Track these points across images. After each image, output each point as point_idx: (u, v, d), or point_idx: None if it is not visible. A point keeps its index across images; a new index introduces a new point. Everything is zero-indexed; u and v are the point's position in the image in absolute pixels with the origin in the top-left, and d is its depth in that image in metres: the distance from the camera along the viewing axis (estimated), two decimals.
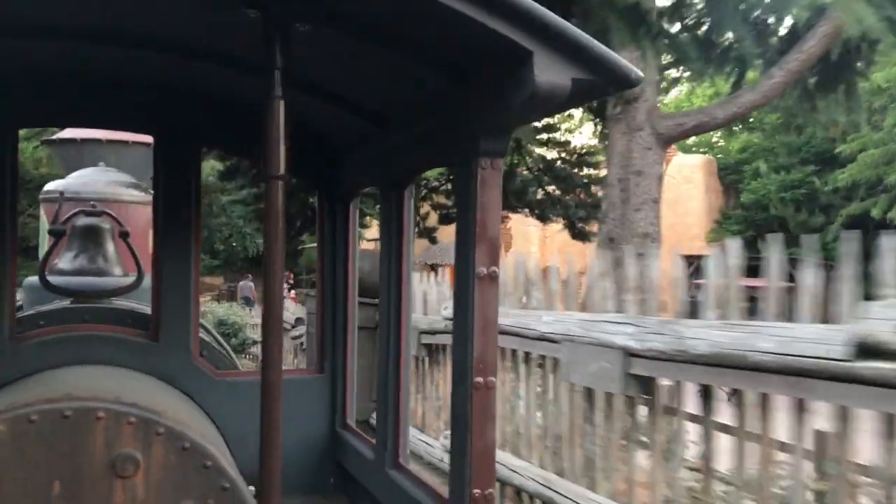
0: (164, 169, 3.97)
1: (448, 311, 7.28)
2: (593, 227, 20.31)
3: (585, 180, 22.21)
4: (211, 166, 21.16)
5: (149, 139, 9.26)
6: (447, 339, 7.65)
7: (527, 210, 22.25)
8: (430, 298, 9.66)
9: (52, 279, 4.55)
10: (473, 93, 2.53)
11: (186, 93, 3.89)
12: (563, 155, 22.72)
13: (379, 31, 2.63)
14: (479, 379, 2.49)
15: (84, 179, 6.15)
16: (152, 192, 6.96)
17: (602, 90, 2.30)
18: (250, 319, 21.77)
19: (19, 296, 4.99)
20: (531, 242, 35.62)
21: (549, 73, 2.15)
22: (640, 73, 2.27)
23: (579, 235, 21.77)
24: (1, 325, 3.70)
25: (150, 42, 3.26)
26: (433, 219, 24.29)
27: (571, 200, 21.94)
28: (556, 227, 23.74)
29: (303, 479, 4.03)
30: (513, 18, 2.13)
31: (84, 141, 8.39)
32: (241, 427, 3.80)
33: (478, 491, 2.50)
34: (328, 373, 4.22)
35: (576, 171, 22.42)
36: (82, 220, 4.72)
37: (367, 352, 4.85)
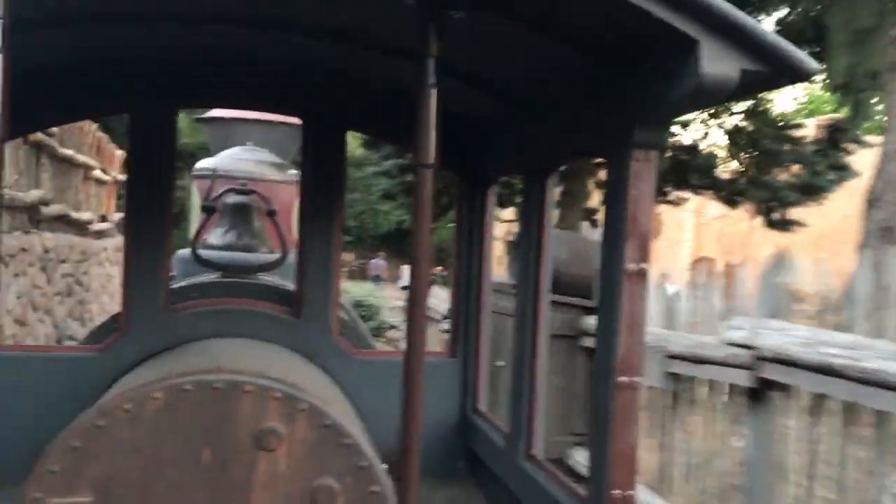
0: (311, 150, 4.08)
1: (736, 333, 5.38)
2: (790, 215, 16.34)
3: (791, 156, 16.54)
4: (352, 135, 20.98)
5: (294, 120, 9.59)
6: (721, 374, 5.55)
7: (711, 192, 17.39)
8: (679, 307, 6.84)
9: (202, 253, 4.76)
10: (631, 82, 2.44)
11: (336, 76, 3.97)
12: (758, 125, 16.89)
13: (534, 17, 2.57)
14: (624, 379, 2.42)
15: (234, 158, 6.41)
16: (297, 172, 7.25)
17: (773, 82, 2.16)
18: (388, 302, 21.16)
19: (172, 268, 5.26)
20: (683, 230, 30.84)
21: (717, 63, 2.03)
22: (816, 65, 2.12)
23: (780, 224, 16.71)
24: (157, 295, 3.91)
25: (303, 27, 3.33)
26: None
27: (773, 180, 16.53)
28: (714, 213, 20.78)
29: (433, 462, 4.07)
30: (678, 4, 2.03)
31: (233, 120, 8.73)
32: (376, 406, 3.87)
33: (618, 492, 2.44)
34: (460, 357, 4.24)
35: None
36: (232, 198, 4.92)
37: (565, 367, 4.62)
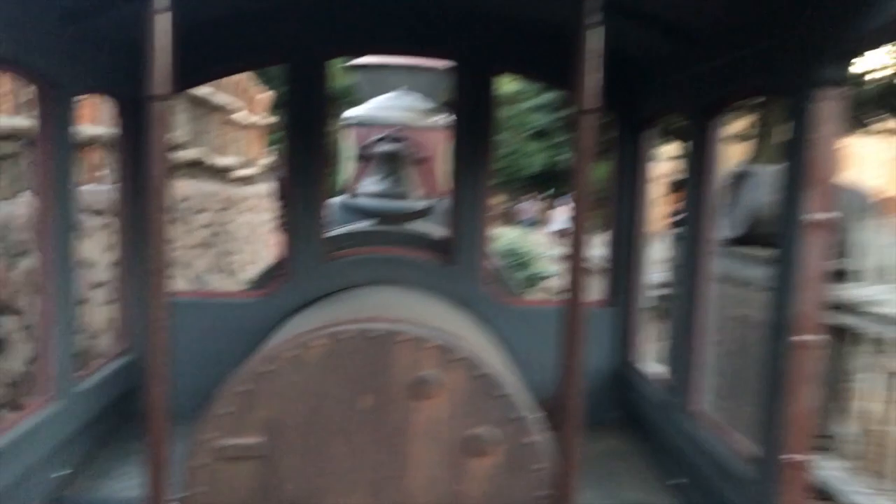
0: (463, 94, 4.01)
1: None
2: None
3: None
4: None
5: (441, 64, 9.54)
6: None
7: None
8: None
9: (358, 201, 4.84)
10: (816, 13, 2.21)
11: (488, 17, 3.86)
12: None
13: None
14: (801, 337, 2.24)
15: (386, 105, 6.44)
16: (447, 116, 7.21)
17: None
18: (541, 248, 19.10)
19: None
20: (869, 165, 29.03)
21: None
22: None
23: None
24: (315, 241, 4.00)
25: None
26: None
27: None
28: None
29: (588, 412, 4.00)
30: None
31: (382, 66, 8.78)
32: (528, 354, 3.83)
33: (793, 456, 2.29)
34: (618, 306, 4.12)
35: None
36: (385, 146, 4.95)
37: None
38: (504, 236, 17.67)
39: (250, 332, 3.85)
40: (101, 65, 3.48)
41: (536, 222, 32.89)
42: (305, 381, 2.80)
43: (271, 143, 16.47)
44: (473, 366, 2.81)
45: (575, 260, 2.35)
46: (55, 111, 3.00)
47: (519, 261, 15.66)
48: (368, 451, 2.80)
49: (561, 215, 31.87)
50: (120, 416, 3.85)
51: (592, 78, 2.20)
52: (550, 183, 39.79)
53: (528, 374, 3.61)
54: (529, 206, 34.20)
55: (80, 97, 3.44)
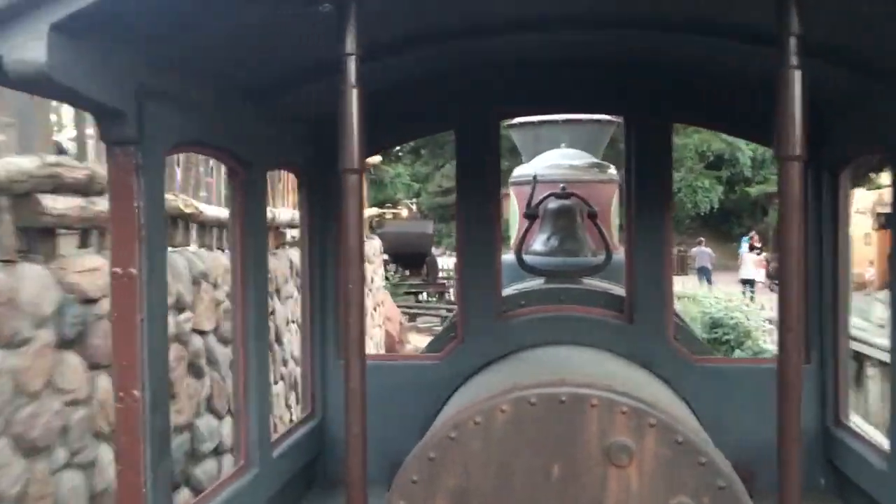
0: (635, 147, 3.92)
1: None
2: None
3: None
4: None
5: (600, 117, 9.45)
6: None
7: None
8: None
9: (526, 259, 4.79)
10: None
11: (658, 69, 3.77)
12: None
13: None
14: None
15: (550, 162, 6.43)
16: (613, 170, 7.11)
17: None
18: (755, 314, 14.66)
19: None
20: None
21: None
22: None
23: None
24: (489, 302, 3.97)
25: (627, 21, 3.18)
26: None
27: None
28: None
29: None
30: None
31: (540, 123, 8.80)
32: (718, 416, 3.61)
33: None
34: (815, 363, 3.81)
35: None
36: (553, 203, 4.91)
37: None
38: (695, 298, 14.08)
39: (427, 395, 3.84)
40: (285, 140, 3.64)
41: (712, 270, 28.15)
42: (492, 449, 2.74)
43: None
44: (670, 431, 2.66)
45: (786, 314, 2.18)
46: (247, 187, 3.14)
47: (727, 334, 11.97)
48: None
49: (751, 261, 28.42)
50: (307, 483, 3.92)
51: (794, 123, 2.06)
52: (729, 222, 36.10)
53: (716, 436, 3.40)
54: (706, 252, 28.82)
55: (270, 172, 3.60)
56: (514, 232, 6.43)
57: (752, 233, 31.35)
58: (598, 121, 9.31)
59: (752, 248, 29.60)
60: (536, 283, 4.81)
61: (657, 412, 2.70)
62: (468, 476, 2.73)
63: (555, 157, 6.58)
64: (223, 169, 6.31)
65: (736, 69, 3.27)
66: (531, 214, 4.80)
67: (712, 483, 2.63)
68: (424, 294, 26.17)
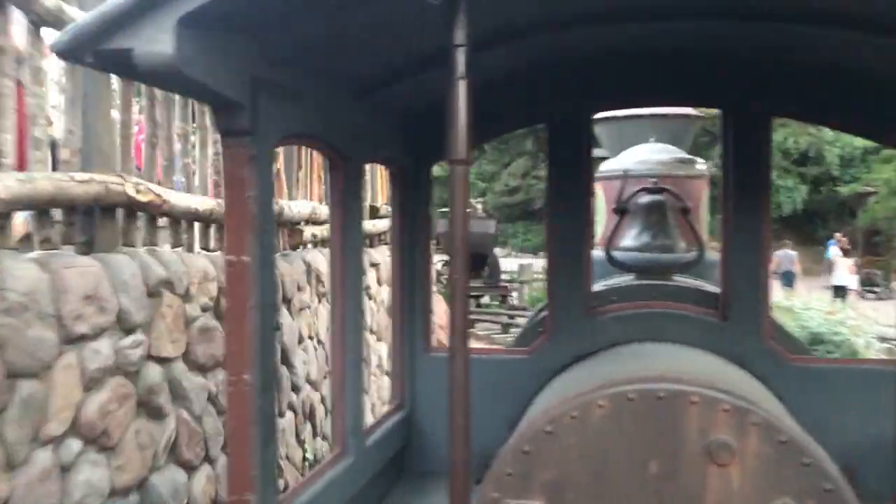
0: (733, 141, 3.83)
1: None
2: None
3: None
4: None
5: (687, 111, 9.23)
6: None
7: None
8: None
9: (616, 255, 4.73)
10: None
11: (759, 60, 3.68)
12: None
13: None
14: None
15: (639, 157, 6.33)
16: (702, 165, 6.96)
17: None
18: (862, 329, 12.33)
19: None
20: None
21: None
22: None
23: None
24: (579, 298, 3.94)
25: (728, 10, 3.12)
26: None
27: None
28: None
29: (878, 484, 3.58)
30: None
31: (625, 118, 8.67)
32: (815, 416, 3.51)
33: None
34: None
35: None
36: (644, 198, 4.84)
37: None
38: (791, 309, 12.30)
39: (514, 390, 3.84)
40: (381, 134, 3.69)
41: (796, 275, 25.83)
42: (588, 444, 2.72)
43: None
44: (774, 430, 2.60)
45: None
46: (346, 181, 3.20)
47: (831, 352, 10.45)
48: None
49: (844, 266, 26.20)
50: (396, 473, 3.97)
51: None
52: (813, 224, 33.95)
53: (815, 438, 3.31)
54: (790, 254, 26.37)
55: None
56: (600, 227, 6.35)
57: (838, 235, 29.41)
58: (685, 115, 9.12)
59: (844, 251, 28.02)
60: (626, 279, 4.75)
61: (760, 410, 2.64)
62: (564, 470, 2.72)
63: (644, 152, 6.48)
64: (216, 149, 5.48)
65: (843, 60, 3.16)
66: (621, 209, 4.75)
67: (818, 485, 2.56)
68: (487, 297, 23.76)
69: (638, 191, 4.88)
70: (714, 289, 4.30)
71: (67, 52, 1.83)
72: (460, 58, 2.09)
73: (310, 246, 7.56)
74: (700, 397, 2.66)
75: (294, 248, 7.11)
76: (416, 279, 4.09)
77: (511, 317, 20.40)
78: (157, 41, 1.77)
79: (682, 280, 4.66)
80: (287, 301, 6.35)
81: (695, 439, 2.64)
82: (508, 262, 27.87)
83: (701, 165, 6.81)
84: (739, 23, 3.15)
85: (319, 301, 7.32)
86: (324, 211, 7.50)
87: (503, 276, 25.14)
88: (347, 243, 3.22)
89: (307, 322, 6.89)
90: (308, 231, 7.40)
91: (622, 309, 4.05)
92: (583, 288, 3.97)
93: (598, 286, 4.66)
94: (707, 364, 3.48)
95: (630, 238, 4.78)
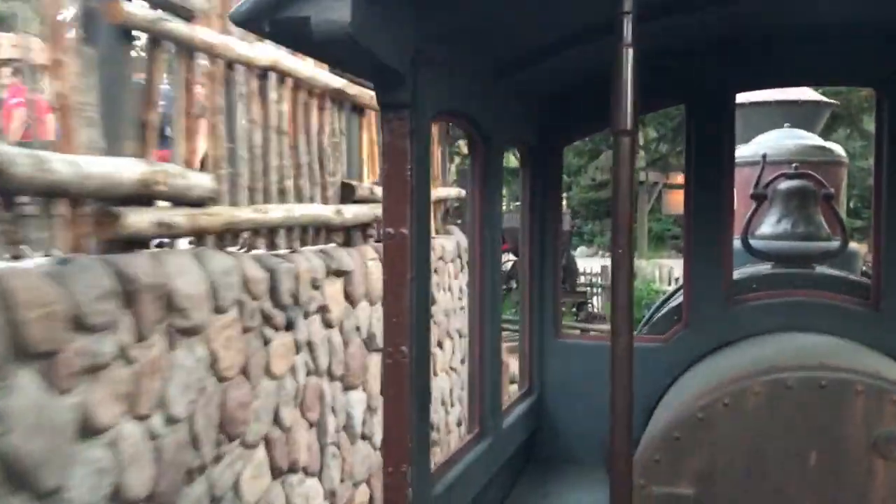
0: (888, 120, 3.61)
1: None
2: None
3: None
4: None
5: (813, 97, 8.81)
6: None
7: None
8: None
9: (754, 243, 4.56)
10: None
11: None
12: None
13: None
14: None
15: (776, 142, 6.10)
16: (840, 150, 6.64)
17: None
18: None
19: None
20: None
21: None
22: None
23: None
24: (719, 286, 3.81)
25: None
26: None
27: None
28: None
29: None
30: None
31: (752, 104, 8.38)
32: None
33: None
34: None
35: None
36: (784, 183, 4.64)
37: None
38: None
39: (649, 378, 3.73)
40: (518, 116, 3.65)
41: None
42: (743, 432, 2.63)
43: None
44: None
45: None
46: (487, 162, 3.18)
47: None
48: None
49: None
50: (526, 457, 3.93)
51: None
52: None
53: None
54: None
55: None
56: None
57: None
58: (816, 102, 8.74)
59: None
60: (765, 267, 4.57)
61: None
62: (715, 459, 2.64)
63: (781, 137, 6.23)
64: None
65: None
66: (759, 195, 4.56)
67: None
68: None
69: (777, 176, 4.68)
70: (861, 279, 4.09)
71: (246, 21, 1.87)
72: (627, 25, 2.03)
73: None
74: (866, 387, 2.53)
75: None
76: (546, 265, 4.04)
77: (585, 330, 16.35)
78: (334, 9, 1.79)
79: (826, 270, 4.44)
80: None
81: (860, 431, 2.51)
82: (591, 263, 23.22)
83: (839, 151, 6.50)
84: None
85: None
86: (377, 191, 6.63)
87: (580, 280, 21.47)
88: (487, 226, 3.20)
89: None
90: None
91: (764, 297, 3.89)
92: (723, 275, 3.83)
93: (736, 275, 4.50)
94: (863, 355, 3.30)
95: (769, 226, 4.60)
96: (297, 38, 1.87)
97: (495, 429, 3.26)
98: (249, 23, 1.87)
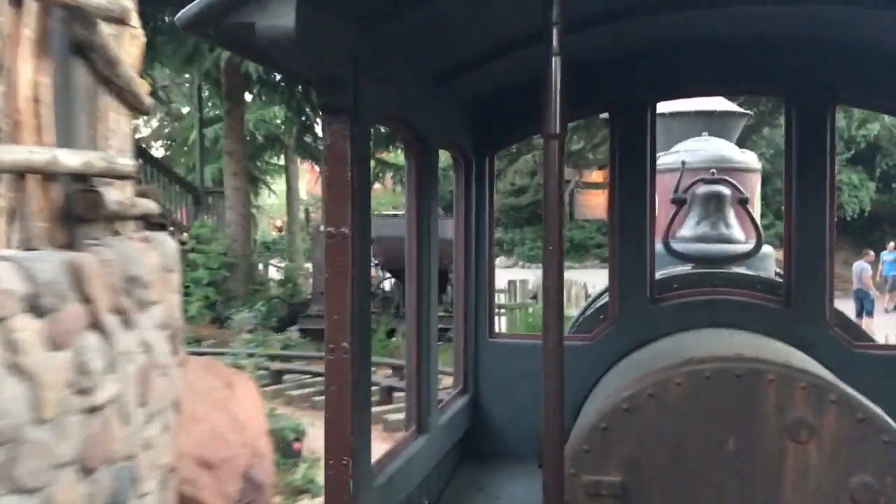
0: (795, 129, 3.85)
1: None
2: None
3: None
4: None
5: (730, 107, 9.18)
6: None
7: None
8: None
9: (675, 245, 4.76)
10: None
11: (823, 46, 3.69)
12: None
13: None
14: None
15: (694, 149, 6.37)
16: (755, 157, 6.96)
17: None
18: None
19: None
20: None
21: None
22: None
23: None
24: (643, 286, 3.98)
25: None
26: None
27: None
28: None
29: None
30: None
31: (672, 114, 8.70)
32: (882, 405, 3.51)
33: None
34: None
35: None
36: (703, 188, 4.87)
37: None
38: None
39: (577, 375, 3.87)
40: (453, 120, 3.76)
41: (872, 298, 18.33)
42: (666, 420, 2.77)
43: None
44: (852, 408, 2.63)
45: None
46: (424, 165, 3.28)
47: None
48: (735, 497, 2.70)
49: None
50: (461, 454, 4.03)
51: None
52: (880, 230, 27.08)
53: None
54: (864, 266, 18.63)
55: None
56: None
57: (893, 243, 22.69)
58: (731, 112, 9.13)
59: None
60: (685, 268, 4.79)
61: (837, 388, 2.67)
62: (641, 447, 2.77)
63: (699, 145, 6.51)
64: None
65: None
66: (679, 200, 4.78)
67: None
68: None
69: (695, 182, 4.90)
70: (774, 279, 4.32)
71: (192, 26, 1.92)
72: (555, 35, 2.16)
73: None
74: (777, 376, 2.69)
75: None
76: (479, 267, 4.16)
77: None
78: (278, 16, 1.86)
79: (741, 270, 4.67)
80: None
81: (773, 417, 2.67)
82: (505, 275, 17.91)
83: (754, 158, 6.82)
84: (801, 7, 3.17)
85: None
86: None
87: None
88: (423, 223, 3.29)
89: None
90: None
91: (685, 296, 4.08)
92: (646, 276, 4.01)
93: (657, 275, 4.69)
94: (775, 347, 3.51)
95: (688, 228, 4.81)
96: (242, 43, 1.93)
97: (433, 426, 3.35)
98: (195, 27, 1.93)
